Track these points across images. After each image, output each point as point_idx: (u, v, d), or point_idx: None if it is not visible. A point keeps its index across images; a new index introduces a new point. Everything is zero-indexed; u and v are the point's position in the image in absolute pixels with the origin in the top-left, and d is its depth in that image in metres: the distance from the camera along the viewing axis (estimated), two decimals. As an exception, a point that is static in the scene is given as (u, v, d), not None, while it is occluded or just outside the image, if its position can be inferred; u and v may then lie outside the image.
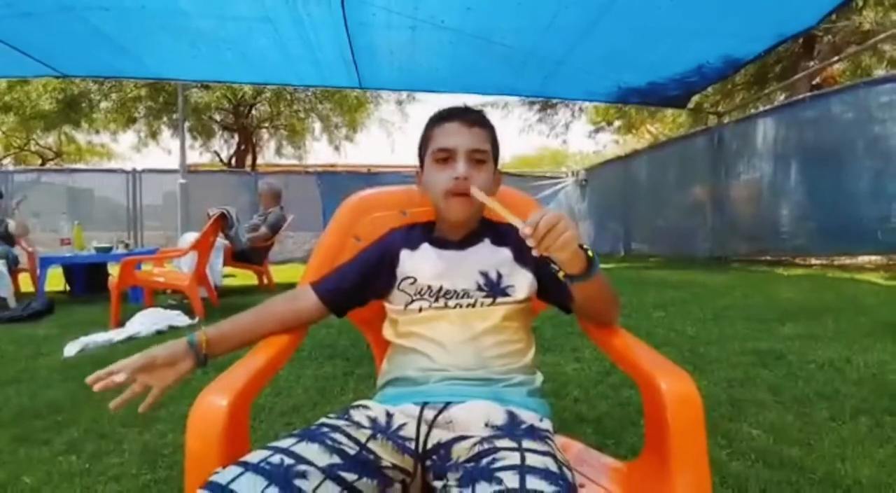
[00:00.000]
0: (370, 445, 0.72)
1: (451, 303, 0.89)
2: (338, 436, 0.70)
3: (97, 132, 14.01)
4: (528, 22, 3.03)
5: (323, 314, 0.95)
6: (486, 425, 0.74)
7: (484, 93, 4.98)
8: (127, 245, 4.15)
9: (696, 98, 8.49)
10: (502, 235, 0.96)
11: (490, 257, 0.93)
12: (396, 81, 4.44)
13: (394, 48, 3.48)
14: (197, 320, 3.23)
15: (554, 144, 24.19)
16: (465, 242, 0.95)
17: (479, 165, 0.90)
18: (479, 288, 0.89)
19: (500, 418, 0.75)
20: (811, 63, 7.93)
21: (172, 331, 3.01)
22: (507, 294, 0.90)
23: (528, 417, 0.76)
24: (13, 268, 4.06)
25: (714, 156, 6.55)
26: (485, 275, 0.90)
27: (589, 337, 1.00)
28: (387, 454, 0.72)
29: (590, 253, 0.78)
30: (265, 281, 4.87)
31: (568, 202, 10.37)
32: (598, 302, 0.86)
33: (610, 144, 15.84)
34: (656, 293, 3.84)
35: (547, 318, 2.90)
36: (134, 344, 2.70)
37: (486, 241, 0.95)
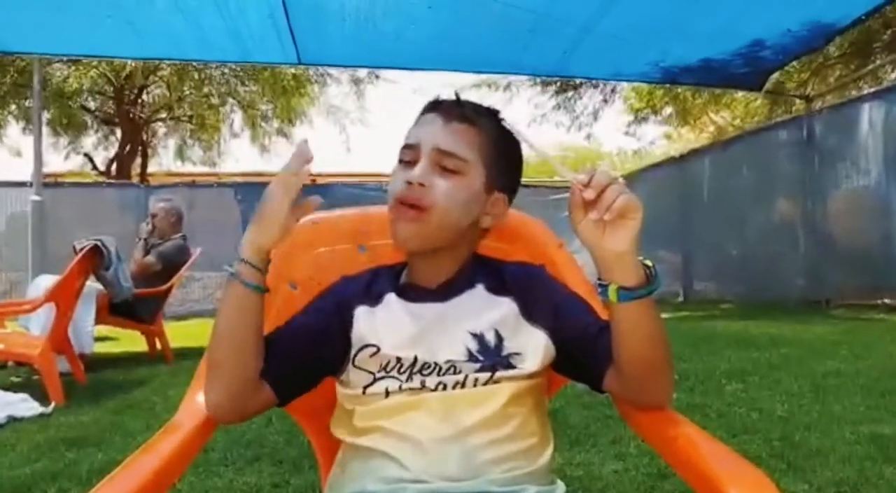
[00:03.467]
0: None
1: (431, 382, 0.88)
2: None
3: None
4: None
5: (265, 406, 0.92)
6: None
7: (479, 70, 5.12)
8: (-50, 295, 4.11)
9: (775, 76, 8.87)
10: (501, 278, 0.97)
11: (485, 310, 0.93)
12: (351, 55, 4.52)
13: (348, 9, 3.58)
14: (52, 407, 3.15)
15: (578, 139, 24.70)
16: (448, 290, 0.95)
17: (450, 176, 0.91)
18: (471, 357, 0.89)
19: None
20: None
21: (13, 423, 2.93)
22: (510, 366, 0.90)
23: None
24: None
25: (804, 155, 6.76)
26: (478, 338, 0.90)
27: (630, 426, 1.00)
28: None
29: (647, 262, 0.80)
30: (158, 346, 4.81)
31: (601, 224, 10.55)
32: (650, 354, 0.83)
33: (658, 140, 16.28)
34: (731, 356, 3.86)
35: (575, 396, 2.91)
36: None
37: (479, 287, 0.96)
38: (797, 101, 8.02)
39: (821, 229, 6.60)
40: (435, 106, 0.96)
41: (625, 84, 11.38)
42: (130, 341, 5.34)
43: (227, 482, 2.13)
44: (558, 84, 12.42)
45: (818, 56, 8.84)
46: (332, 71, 12.96)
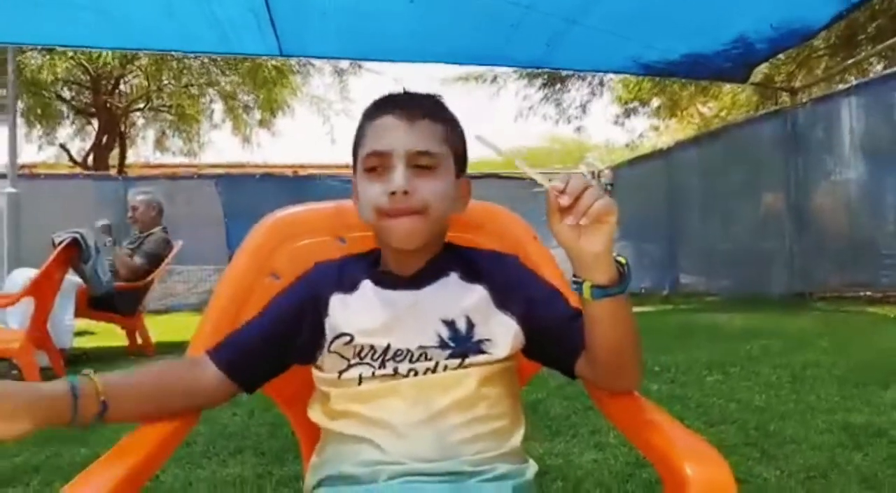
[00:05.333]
0: None
1: (403, 368, 0.92)
2: None
3: None
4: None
5: (228, 393, 0.98)
6: None
7: (462, 62, 5.15)
8: (-75, 289, 4.09)
9: (762, 68, 8.97)
10: (475, 266, 1.01)
11: (457, 298, 0.97)
12: (334, 47, 4.55)
13: (330, 1, 3.60)
14: (33, 401, 3.18)
15: (567, 131, 24.76)
16: (422, 278, 0.99)
17: (428, 174, 0.94)
18: (442, 344, 0.93)
19: None
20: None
21: (-5, 419, 2.95)
22: (481, 351, 0.94)
23: None
24: None
25: (789, 148, 6.87)
26: (450, 325, 0.94)
27: (600, 409, 1.07)
28: None
29: (621, 259, 0.84)
30: (138, 341, 4.84)
31: (588, 216, 10.62)
32: (622, 345, 0.89)
33: (648, 133, 16.37)
34: (713, 348, 3.96)
35: (556, 388, 2.98)
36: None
37: (453, 276, 1.00)
38: (782, 93, 8.13)
39: (806, 222, 6.71)
40: (390, 107, 0.97)
41: (613, 76, 11.46)
42: (109, 335, 5.35)
43: (210, 474, 2.17)
44: (545, 76, 12.48)
45: (805, 48, 8.96)
46: (315, 61, 12.93)
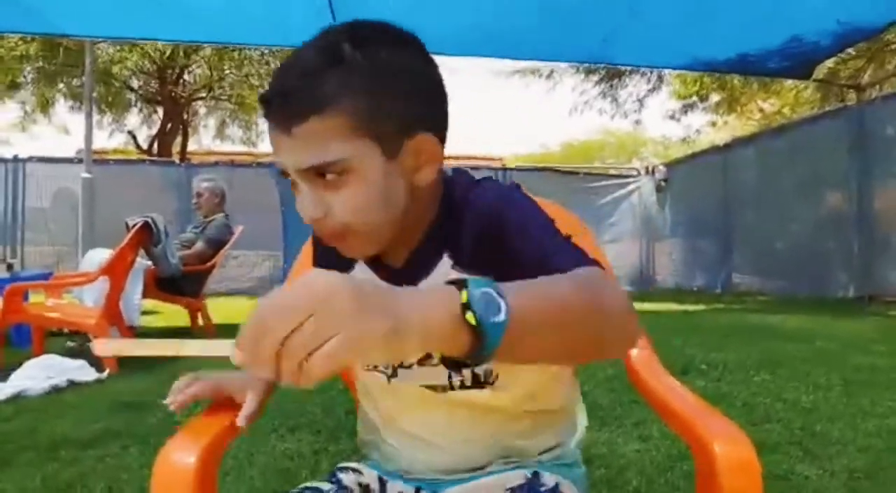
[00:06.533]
0: None
1: (416, 375, 0.84)
2: None
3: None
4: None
5: None
6: (502, 489, 0.85)
7: (516, 57, 5.20)
8: (10, 266, 4.39)
9: (827, 64, 8.70)
10: (465, 243, 0.80)
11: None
12: (393, 41, 4.67)
13: (391, -2, 3.72)
14: (107, 373, 3.40)
15: (622, 126, 24.42)
16: (415, 267, 0.82)
17: (337, 186, 0.72)
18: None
19: (518, 479, 0.86)
20: None
21: (73, 388, 3.18)
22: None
23: (552, 479, 0.87)
24: None
25: (855, 147, 6.67)
26: None
27: (636, 389, 1.13)
28: None
29: (469, 318, 0.51)
30: (200, 321, 5.06)
31: (641, 213, 10.52)
32: (556, 356, 0.65)
33: (705, 128, 16.04)
34: (763, 348, 3.93)
35: (603, 381, 3.04)
36: (21, 405, 2.87)
37: (446, 260, 0.81)
38: (850, 89, 7.88)
39: (869, 224, 6.53)
40: (266, 110, 0.74)
41: (671, 71, 11.29)
42: (173, 315, 5.62)
43: (270, 448, 2.31)
44: (602, 72, 12.39)
45: (876, 42, 8.65)
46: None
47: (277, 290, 0.48)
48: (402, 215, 0.76)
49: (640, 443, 2.32)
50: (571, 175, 11.37)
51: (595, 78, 12.79)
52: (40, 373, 3.20)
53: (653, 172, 10.72)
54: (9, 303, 3.53)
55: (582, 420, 1.03)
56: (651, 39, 4.23)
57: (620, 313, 0.64)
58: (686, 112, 13.81)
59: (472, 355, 0.53)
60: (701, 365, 3.46)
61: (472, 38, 4.37)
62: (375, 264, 0.84)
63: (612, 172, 13.44)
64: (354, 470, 0.94)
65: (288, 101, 0.71)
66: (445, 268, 0.80)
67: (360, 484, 0.92)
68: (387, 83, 0.72)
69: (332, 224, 0.74)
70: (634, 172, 11.33)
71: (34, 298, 4.45)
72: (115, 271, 3.73)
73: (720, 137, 13.85)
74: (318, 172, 0.71)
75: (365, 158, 0.71)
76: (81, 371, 3.31)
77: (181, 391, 0.92)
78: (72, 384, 3.20)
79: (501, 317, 0.51)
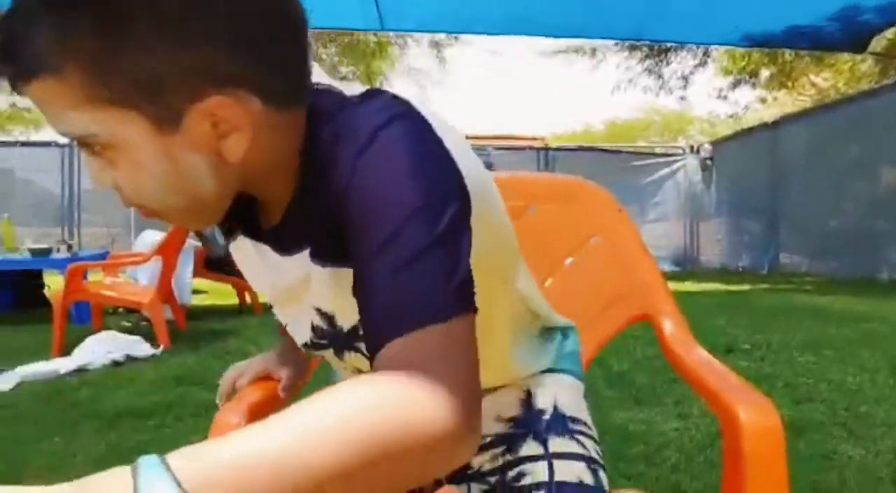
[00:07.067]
0: None
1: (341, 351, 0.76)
2: None
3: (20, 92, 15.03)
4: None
5: None
6: (498, 419, 0.86)
7: (559, 35, 5.15)
8: (70, 247, 4.57)
9: (886, 35, 8.32)
10: (314, 226, 0.62)
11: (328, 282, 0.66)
12: (433, 21, 4.70)
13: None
14: (161, 349, 3.56)
15: (667, 103, 23.87)
16: (282, 240, 0.67)
17: (111, 159, 0.55)
18: (321, 337, 0.74)
19: (513, 404, 0.86)
20: None
21: (130, 362, 3.34)
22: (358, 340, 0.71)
23: (546, 397, 0.87)
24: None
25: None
26: (325, 315, 0.70)
27: (669, 361, 1.14)
28: None
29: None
30: (247, 301, 5.21)
31: (686, 192, 10.35)
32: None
33: (754, 104, 15.56)
34: (809, 329, 3.88)
35: (641, 360, 3.05)
36: (84, 377, 3.04)
37: (305, 246, 0.65)
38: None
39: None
40: None
41: (718, 47, 10.99)
42: (220, 294, 5.81)
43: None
44: (646, 49, 12.14)
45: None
46: (413, 33, 13.09)
47: None
48: (224, 193, 0.60)
49: (680, 421, 2.34)
50: (615, 154, 11.21)
51: (639, 55, 12.54)
52: (100, 348, 3.37)
53: (698, 150, 10.51)
54: (71, 281, 3.70)
55: (560, 321, 0.95)
56: (696, 14, 4.15)
57: (433, 437, 0.44)
58: (734, 88, 13.44)
59: None
60: (744, 345, 3.44)
61: (516, 17, 4.36)
62: (252, 223, 0.69)
63: (657, 150, 13.19)
64: None
65: (5, 57, 0.52)
66: (304, 259, 0.64)
67: None
68: (140, 27, 0.50)
69: (128, 199, 0.58)
70: (679, 151, 11.11)
71: (92, 277, 4.65)
72: (168, 251, 3.88)
73: (770, 113, 13.44)
74: (81, 141, 0.55)
75: (122, 132, 0.53)
76: (138, 346, 3.47)
77: (229, 384, 0.98)
78: (129, 359, 3.36)
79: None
